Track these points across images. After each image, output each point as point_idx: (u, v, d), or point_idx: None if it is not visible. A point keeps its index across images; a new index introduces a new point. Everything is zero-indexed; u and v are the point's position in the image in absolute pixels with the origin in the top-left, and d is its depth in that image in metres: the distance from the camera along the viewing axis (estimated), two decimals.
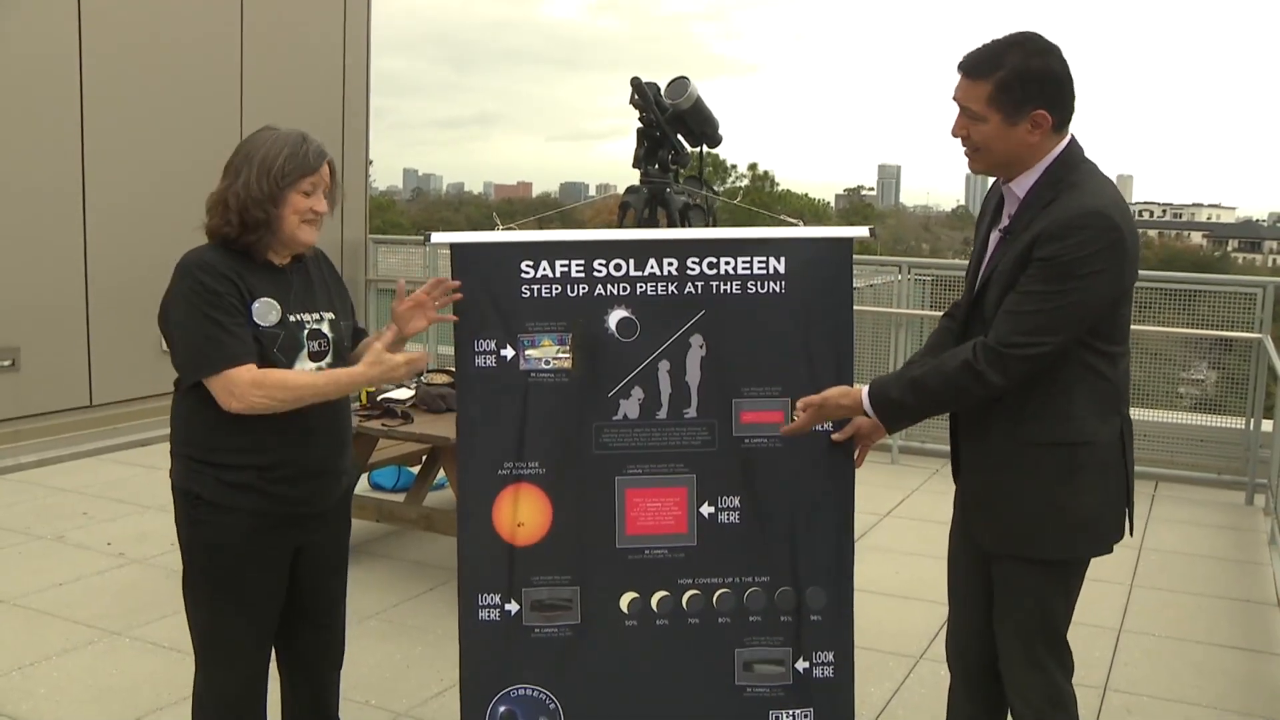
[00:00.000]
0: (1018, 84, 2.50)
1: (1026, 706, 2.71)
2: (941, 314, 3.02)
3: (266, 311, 2.68)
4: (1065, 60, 2.55)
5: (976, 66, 2.55)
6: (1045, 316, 2.48)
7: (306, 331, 2.74)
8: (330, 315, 2.83)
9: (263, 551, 2.75)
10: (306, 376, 2.68)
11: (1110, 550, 2.68)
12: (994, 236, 2.69)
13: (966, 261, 2.97)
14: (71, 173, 7.51)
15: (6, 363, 7.18)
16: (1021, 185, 2.60)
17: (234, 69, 8.58)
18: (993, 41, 2.57)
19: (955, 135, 2.63)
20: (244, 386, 2.60)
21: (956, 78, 2.60)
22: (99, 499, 6.41)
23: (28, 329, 7.31)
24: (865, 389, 2.72)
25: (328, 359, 2.78)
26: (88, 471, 7.07)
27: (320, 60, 9.54)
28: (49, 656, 4.26)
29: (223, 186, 2.70)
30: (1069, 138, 2.60)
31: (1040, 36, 2.56)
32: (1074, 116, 2.60)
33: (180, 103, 8.07)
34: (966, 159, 2.66)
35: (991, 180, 2.77)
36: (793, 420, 2.90)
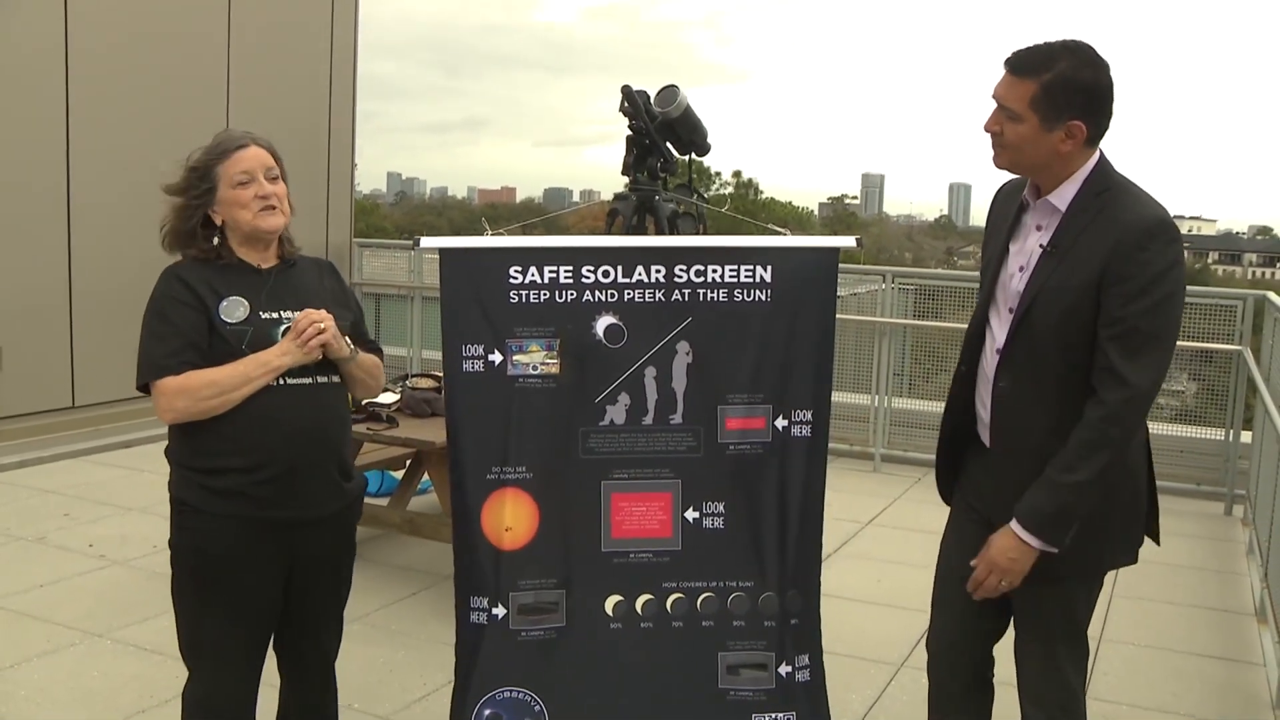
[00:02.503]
0: (1063, 90, 2.46)
1: (1038, 709, 2.72)
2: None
3: (234, 308, 2.68)
4: (1112, 78, 2.53)
5: (1025, 65, 2.51)
6: (1164, 352, 2.46)
7: (283, 328, 2.72)
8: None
9: (252, 560, 2.71)
10: (228, 366, 2.63)
11: (1136, 560, 2.71)
12: (1025, 250, 2.63)
13: (950, 271, 2.96)
14: (56, 173, 7.49)
15: None
16: (1062, 197, 2.56)
17: (220, 71, 8.58)
18: (1045, 43, 2.53)
19: (988, 130, 2.58)
20: (168, 397, 2.62)
21: (1000, 73, 2.56)
22: (81, 500, 6.38)
23: (10, 329, 7.29)
24: (1014, 524, 2.55)
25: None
26: (70, 473, 7.03)
27: (307, 63, 9.53)
28: (30, 658, 4.24)
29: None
30: (1099, 154, 2.57)
31: (1093, 48, 2.53)
32: (1107, 132, 2.57)
33: (166, 104, 8.05)
34: (992, 152, 2.61)
35: (1002, 190, 2.77)
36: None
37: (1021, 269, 2.63)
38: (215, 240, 2.74)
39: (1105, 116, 2.53)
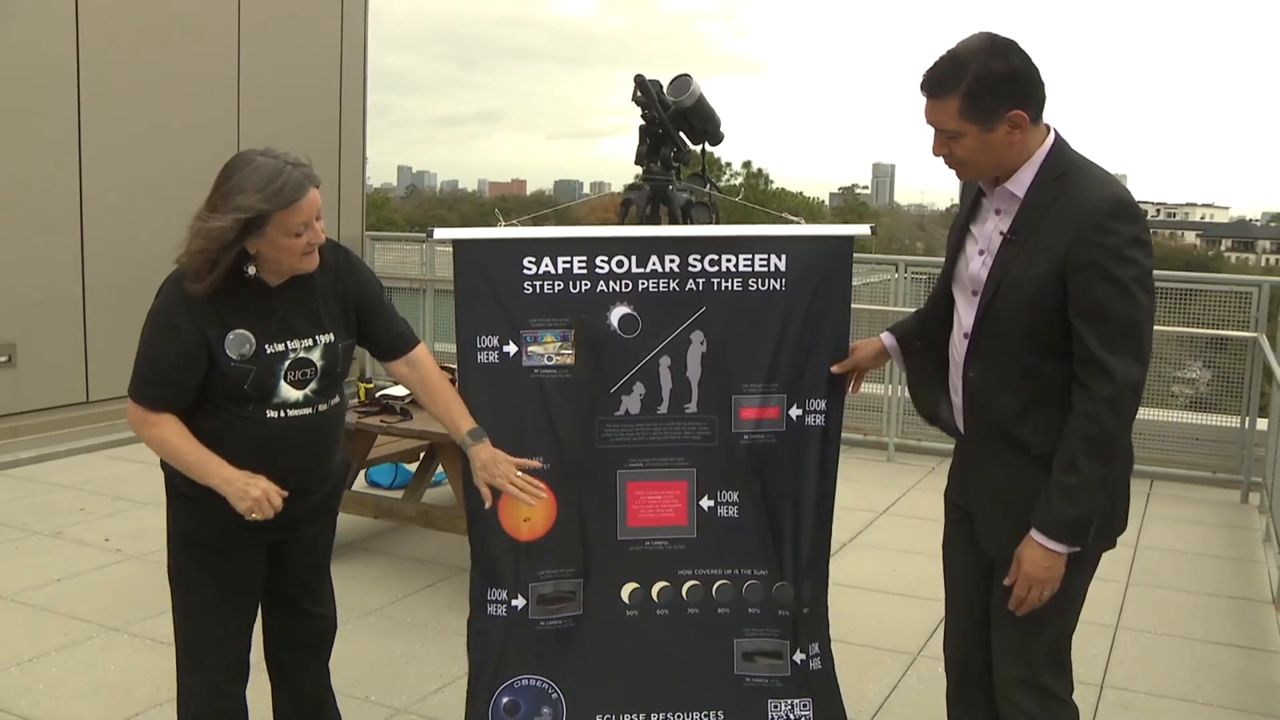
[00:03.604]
0: (984, 90, 2.42)
1: (1017, 712, 2.67)
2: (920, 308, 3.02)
3: (239, 344, 2.60)
4: (1024, 52, 2.47)
5: (938, 84, 2.47)
6: (1143, 334, 2.41)
7: (288, 362, 2.65)
8: (327, 338, 2.72)
9: (237, 545, 2.73)
10: (197, 452, 2.59)
11: (1114, 545, 2.67)
12: (985, 234, 2.61)
13: None
14: (69, 169, 7.51)
15: (3, 359, 7.19)
16: (1019, 184, 2.52)
17: (231, 66, 8.58)
18: (946, 54, 2.48)
19: (937, 155, 2.55)
20: (138, 423, 2.63)
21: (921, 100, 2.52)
22: (96, 495, 6.42)
23: (24, 325, 7.32)
24: (1036, 535, 2.49)
25: (312, 386, 2.69)
26: (85, 467, 7.07)
27: (317, 57, 9.54)
28: (48, 652, 4.27)
29: (199, 223, 2.54)
30: (1051, 130, 2.54)
31: (994, 35, 2.49)
32: (1047, 103, 2.51)
33: (177, 100, 8.07)
34: (954, 171, 2.59)
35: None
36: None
37: (982, 253, 2.60)
38: (251, 271, 2.61)
39: (1037, 93, 2.48)
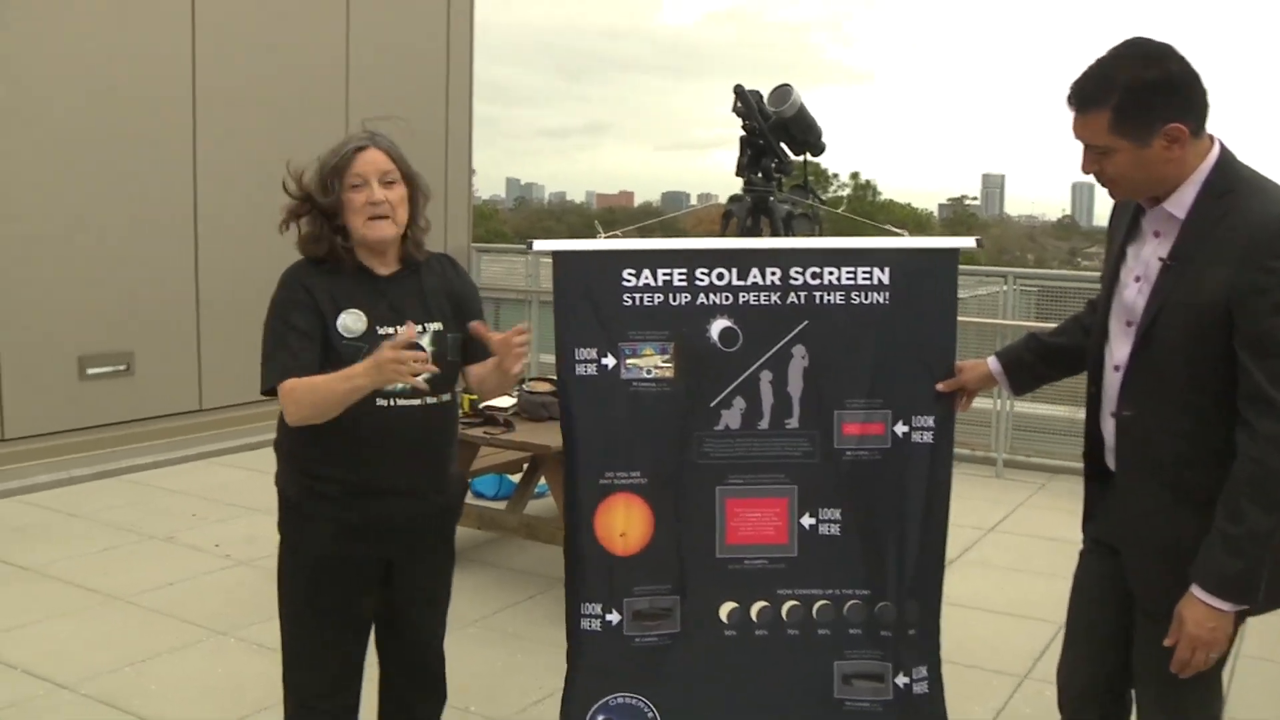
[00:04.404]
0: (1137, 103, 2.25)
1: None
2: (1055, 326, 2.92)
3: (352, 323, 2.67)
4: (1182, 58, 2.27)
5: (1087, 97, 2.31)
6: None
7: None
8: (436, 326, 2.78)
9: (345, 561, 2.73)
10: (323, 377, 2.58)
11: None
12: (1142, 259, 2.44)
13: (1073, 272, 2.84)
14: (184, 184, 7.74)
15: (121, 367, 7.41)
16: (1179, 204, 2.33)
17: (340, 80, 8.78)
18: (1096, 63, 2.32)
19: (1087, 172, 2.39)
20: (283, 405, 2.63)
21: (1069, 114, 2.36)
22: (208, 501, 6.58)
23: (142, 335, 7.54)
24: (1198, 590, 2.30)
25: (422, 375, 2.66)
26: (197, 474, 7.27)
27: (423, 70, 9.71)
28: (160, 654, 4.39)
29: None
30: (1215, 143, 2.34)
31: (1148, 41, 2.32)
32: (1209, 115, 2.32)
33: (287, 114, 8.26)
34: (1106, 189, 2.43)
35: None
36: None
37: (1138, 279, 2.44)
38: (340, 241, 2.72)
39: (1198, 103, 2.30)
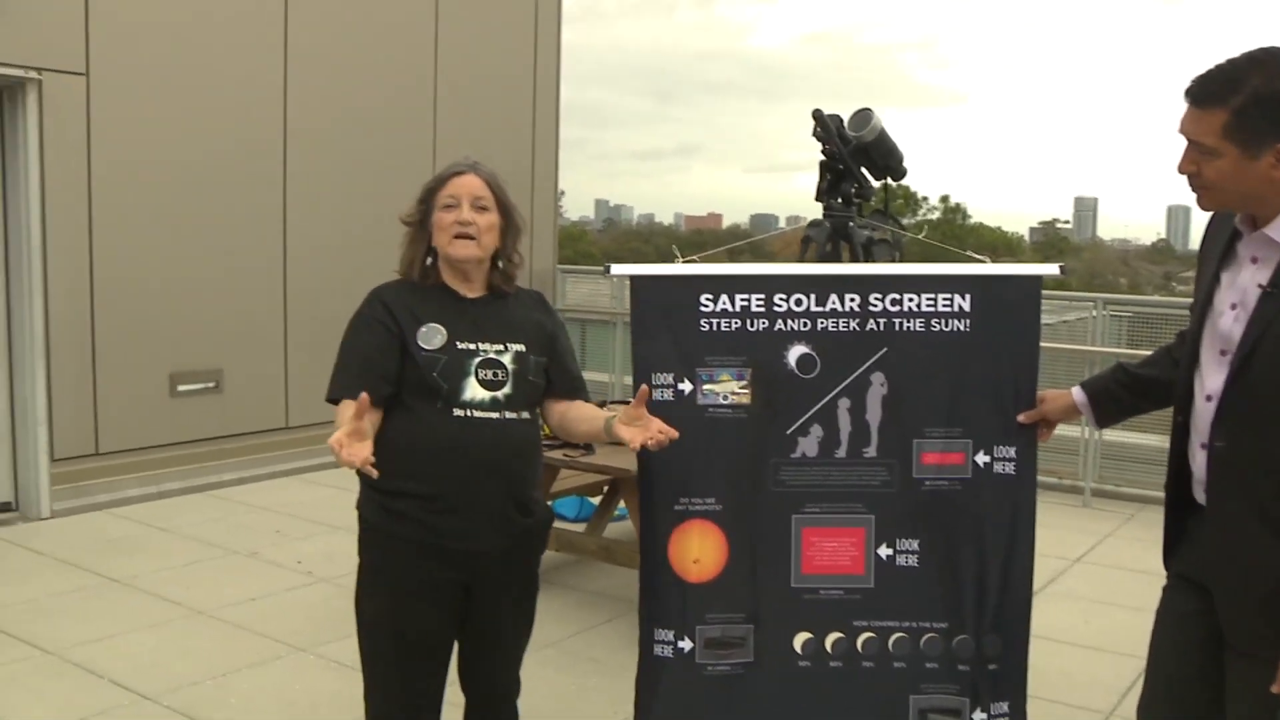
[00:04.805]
0: (1260, 111, 2.16)
1: None
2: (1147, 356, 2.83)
3: (431, 335, 2.71)
4: None
5: (1208, 93, 2.22)
6: None
7: (479, 360, 2.71)
8: (519, 346, 2.78)
9: (423, 584, 2.73)
10: (346, 411, 2.52)
11: None
12: (1238, 286, 2.36)
13: (1167, 298, 2.76)
14: (273, 206, 7.89)
15: (211, 384, 7.57)
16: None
17: (428, 101, 8.91)
18: (1227, 62, 2.22)
19: (1183, 172, 2.31)
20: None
21: (1183, 106, 2.27)
22: (291, 518, 6.69)
23: (231, 353, 7.68)
24: None
25: (505, 390, 2.72)
26: (281, 491, 7.40)
27: (511, 94, 9.81)
28: (240, 668, 4.46)
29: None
30: None
31: None
32: None
33: (375, 138, 8.41)
34: (1195, 195, 2.34)
35: (1215, 214, 2.48)
36: None
37: (1234, 307, 2.35)
38: (428, 261, 2.80)
39: None
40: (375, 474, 2.42)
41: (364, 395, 2.47)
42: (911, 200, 55.70)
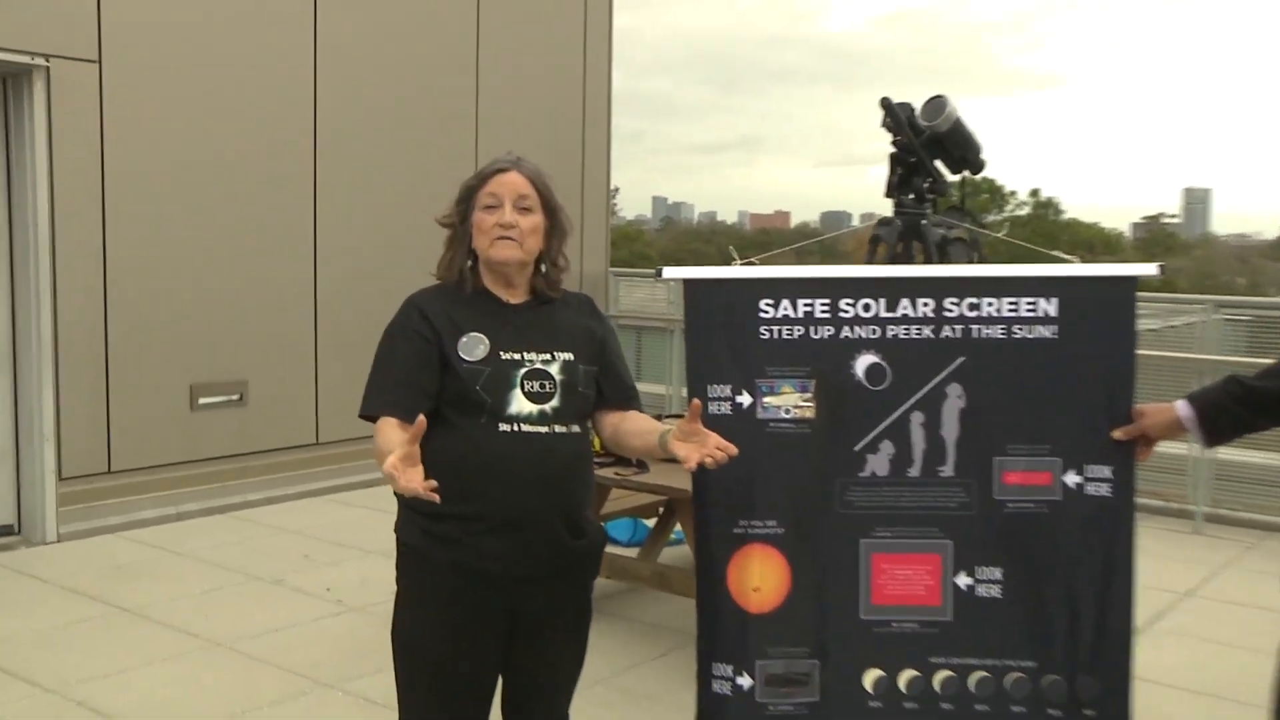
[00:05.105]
0: None
1: None
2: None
3: (473, 346, 2.73)
4: None
5: None
6: None
7: (524, 371, 2.72)
8: (567, 355, 2.79)
9: (466, 611, 2.74)
10: (387, 433, 2.61)
11: None
12: None
13: None
14: (304, 213, 7.97)
15: (235, 397, 7.62)
16: None
17: (470, 96, 8.98)
18: None
19: None
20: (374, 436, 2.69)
21: None
22: (321, 541, 6.74)
23: (257, 363, 7.74)
24: None
25: (553, 402, 2.73)
26: (311, 512, 7.46)
27: (559, 85, 9.87)
28: (259, 706, 4.49)
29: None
30: None
31: None
32: None
33: (413, 135, 8.50)
34: None
35: None
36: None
37: None
38: (468, 265, 2.82)
39: None
40: (438, 499, 2.43)
41: (421, 419, 2.49)
42: (997, 195, 55.19)
